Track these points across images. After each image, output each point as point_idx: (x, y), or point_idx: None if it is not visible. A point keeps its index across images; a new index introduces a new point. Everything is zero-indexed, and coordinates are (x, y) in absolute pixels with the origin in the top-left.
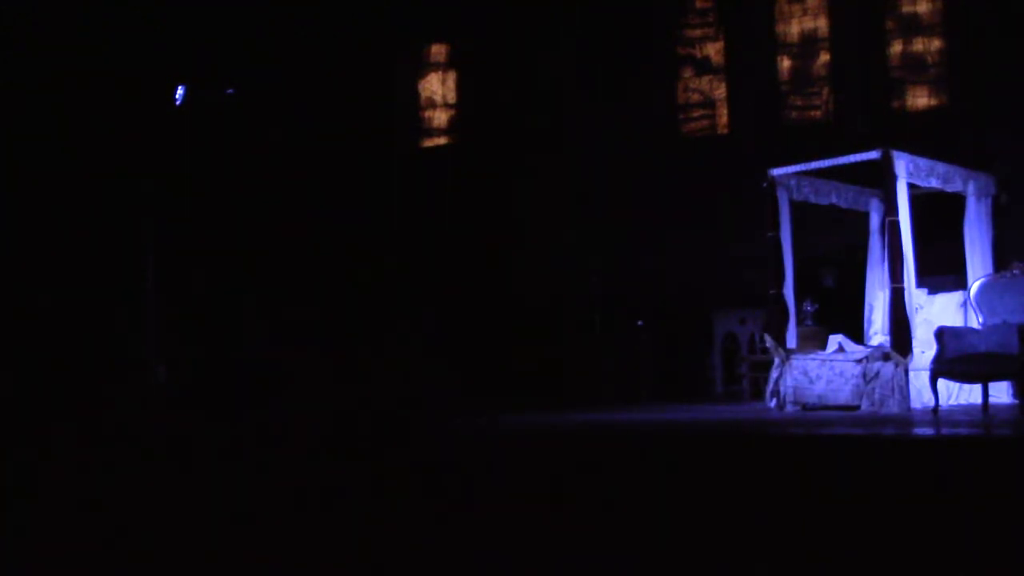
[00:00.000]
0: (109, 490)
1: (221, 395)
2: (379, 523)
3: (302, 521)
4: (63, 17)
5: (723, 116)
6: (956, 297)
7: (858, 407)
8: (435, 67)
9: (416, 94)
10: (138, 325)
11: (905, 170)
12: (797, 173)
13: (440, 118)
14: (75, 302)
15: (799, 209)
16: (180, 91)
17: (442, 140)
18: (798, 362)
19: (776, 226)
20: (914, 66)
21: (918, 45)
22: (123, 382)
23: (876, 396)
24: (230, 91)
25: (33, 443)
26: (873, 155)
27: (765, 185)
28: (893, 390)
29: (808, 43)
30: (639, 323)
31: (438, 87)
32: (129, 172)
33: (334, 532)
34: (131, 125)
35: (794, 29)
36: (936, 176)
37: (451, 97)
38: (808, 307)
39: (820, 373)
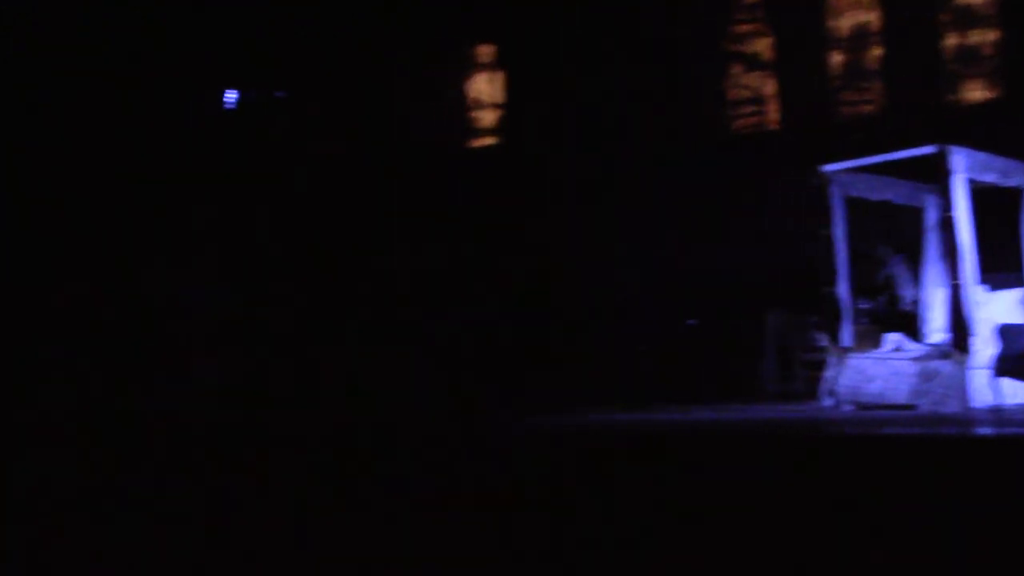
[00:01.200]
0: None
1: (265, 392)
2: (425, 533)
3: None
4: (98, 19)
5: (773, 112)
6: (1017, 294)
7: (916, 406)
8: (482, 68)
9: (463, 95)
10: (181, 322)
11: (962, 165)
12: (849, 169)
13: (488, 119)
14: (117, 299)
15: (852, 205)
16: (231, 95)
17: (489, 140)
18: (854, 361)
19: (829, 223)
20: (969, 59)
21: (973, 37)
22: (162, 381)
23: (935, 395)
24: (280, 94)
25: (97, 440)
26: (928, 150)
27: (817, 182)
28: (952, 389)
29: (859, 37)
30: (691, 322)
31: (485, 88)
32: (181, 171)
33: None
34: (183, 127)
35: (845, 23)
36: (993, 170)
37: (498, 97)
38: (863, 305)
39: (877, 372)
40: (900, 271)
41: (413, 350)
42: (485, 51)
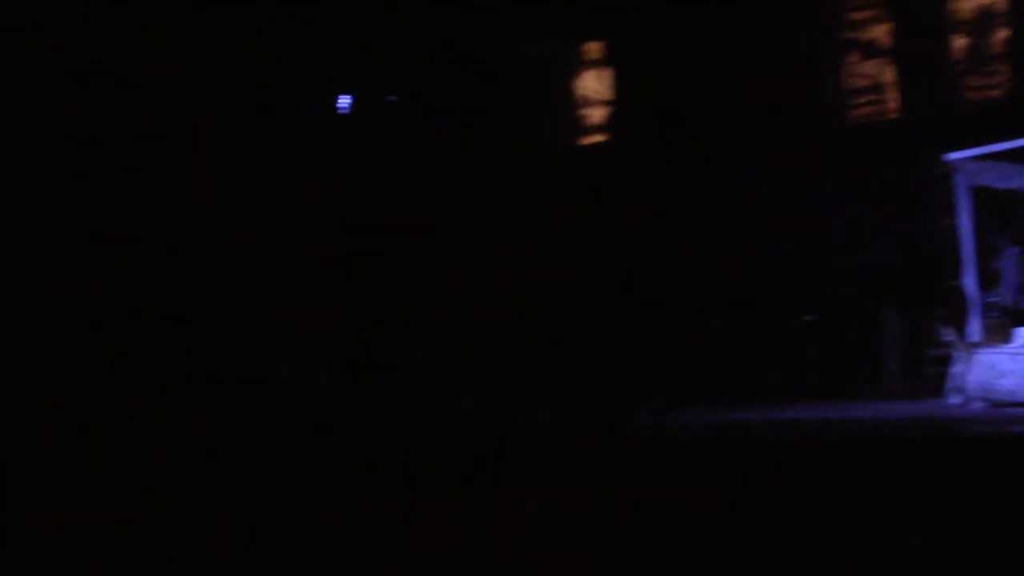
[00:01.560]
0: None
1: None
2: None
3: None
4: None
5: (893, 100)
6: None
7: None
8: (591, 64)
9: (572, 92)
10: (303, 327)
11: None
12: (976, 157)
13: (597, 115)
14: (237, 304)
15: (978, 194)
16: (345, 99)
17: (599, 137)
18: (984, 356)
19: (953, 213)
20: None
21: None
22: (294, 384)
23: None
24: (392, 98)
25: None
26: None
27: (941, 171)
28: None
29: (983, 19)
30: (810, 317)
31: (595, 84)
32: (301, 172)
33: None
34: (294, 130)
35: (967, 5)
36: None
37: (608, 94)
38: (992, 298)
39: (1009, 367)
40: (1008, 265)
41: (528, 348)
42: (594, 48)
